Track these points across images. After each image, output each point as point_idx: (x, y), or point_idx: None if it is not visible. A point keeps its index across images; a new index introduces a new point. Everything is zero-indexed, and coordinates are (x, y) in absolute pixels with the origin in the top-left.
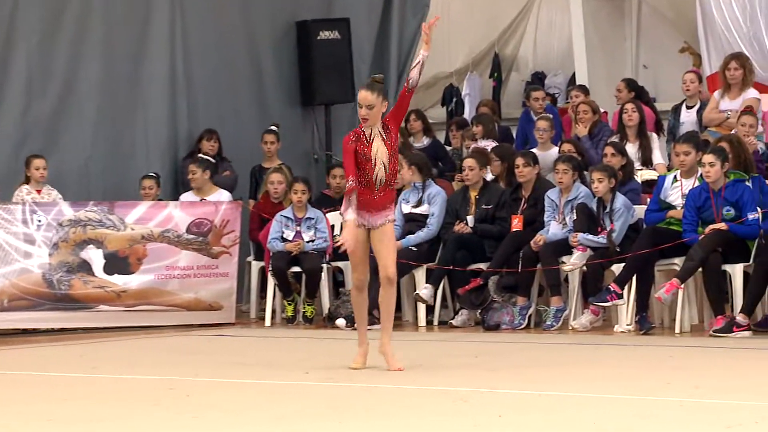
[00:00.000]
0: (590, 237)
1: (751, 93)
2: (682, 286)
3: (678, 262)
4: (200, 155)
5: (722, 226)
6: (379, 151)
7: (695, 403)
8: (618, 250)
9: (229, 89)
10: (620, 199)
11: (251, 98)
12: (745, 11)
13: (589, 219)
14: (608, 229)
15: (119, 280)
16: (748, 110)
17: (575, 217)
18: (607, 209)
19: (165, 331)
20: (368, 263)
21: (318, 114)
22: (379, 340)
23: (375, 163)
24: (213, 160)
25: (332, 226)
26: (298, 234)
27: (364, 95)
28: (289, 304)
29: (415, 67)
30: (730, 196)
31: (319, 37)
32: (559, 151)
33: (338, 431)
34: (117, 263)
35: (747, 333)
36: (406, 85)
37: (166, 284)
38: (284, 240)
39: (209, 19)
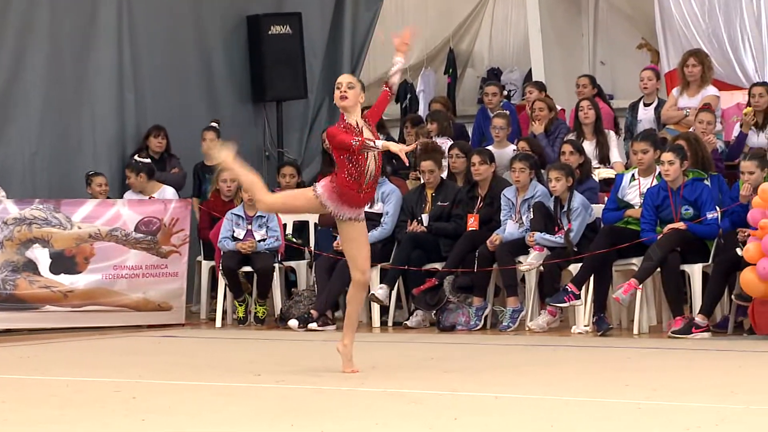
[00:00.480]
0: (547, 237)
1: (710, 90)
2: (641, 286)
3: (636, 262)
4: (133, 159)
5: (681, 225)
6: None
7: (654, 405)
8: (575, 249)
9: (179, 84)
10: (578, 198)
11: (201, 94)
12: (703, 7)
13: (546, 218)
14: (565, 228)
15: (66, 280)
16: (707, 108)
17: (532, 217)
18: (565, 208)
19: (113, 332)
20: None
21: (269, 110)
22: (342, 339)
23: (367, 154)
24: (148, 161)
25: (284, 225)
26: (249, 233)
27: (344, 77)
28: (241, 305)
29: (395, 74)
30: (689, 195)
31: (270, 32)
32: (515, 149)
33: None
34: (63, 262)
35: (706, 334)
36: (387, 90)
37: (114, 284)
38: (235, 239)
39: (158, 12)
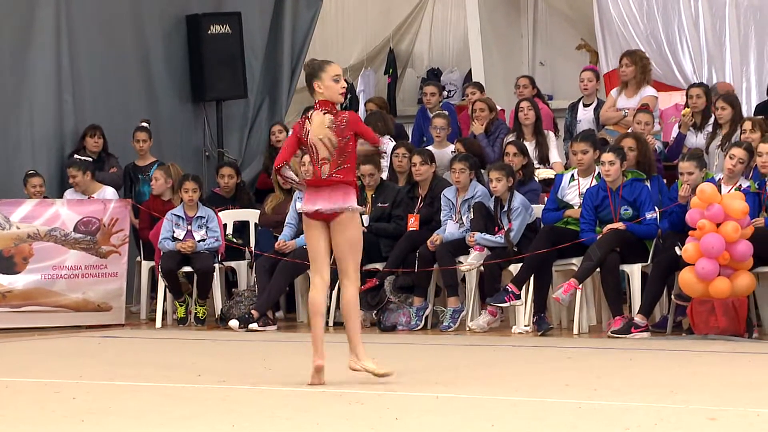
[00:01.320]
0: (487, 237)
1: (648, 91)
2: (580, 286)
3: (576, 262)
4: (76, 157)
5: (620, 225)
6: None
7: (594, 405)
8: (515, 249)
9: (118, 84)
10: (518, 198)
11: (140, 93)
12: (642, 8)
13: (486, 218)
14: (506, 228)
15: (4, 280)
16: (644, 108)
17: (472, 217)
18: (505, 208)
19: (52, 332)
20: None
21: (209, 110)
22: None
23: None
24: (90, 159)
25: (224, 225)
26: (189, 233)
27: (339, 68)
28: (181, 305)
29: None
30: (628, 195)
31: (209, 32)
32: (453, 150)
33: None
34: (2, 263)
35: (645, 334)
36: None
37: (53, 284)
38: (175, 239)
39: (96, 11)
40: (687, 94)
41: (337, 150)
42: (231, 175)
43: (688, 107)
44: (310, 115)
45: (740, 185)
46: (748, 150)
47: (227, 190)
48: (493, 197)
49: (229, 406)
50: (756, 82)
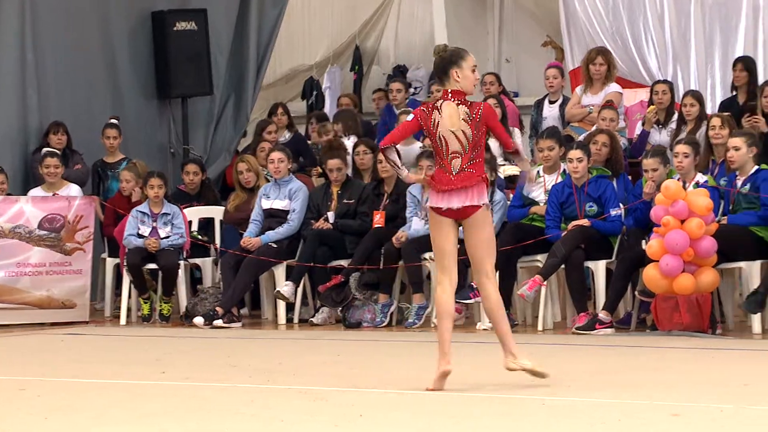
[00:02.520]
0: None
1: (613, 87)
2: (545, 283)
3: (541, 258)
4: (51, 149)
5: (585, 222)
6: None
7: (558, 401)
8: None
9: (83, 81)
10: (498, 193)
11: (105, 90)
12: (607, 6)
13: None
14: None
15: None
16: (609, 105)
17: None
18: None
19: (16, 329)
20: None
21: (174, 107)
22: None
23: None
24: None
25: (189, 222)
26: (154, 230)
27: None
28: (145, 302)
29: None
30: (593, 192)
31: (175, 28)
32: (422, 146)
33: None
34: None
35: (609, 330)
36: None
37: (17, 281)
38: (140, 236)
39: (61, 8)
40: (652, 91)
41: (471, 143)
42: (196, 172)
43: (652, 104)
44: (439, 105)
45: (698, 181)
46: (691, 143)
47: (192, 187)
48: None
49: (193, 403)
50: (720, 78)
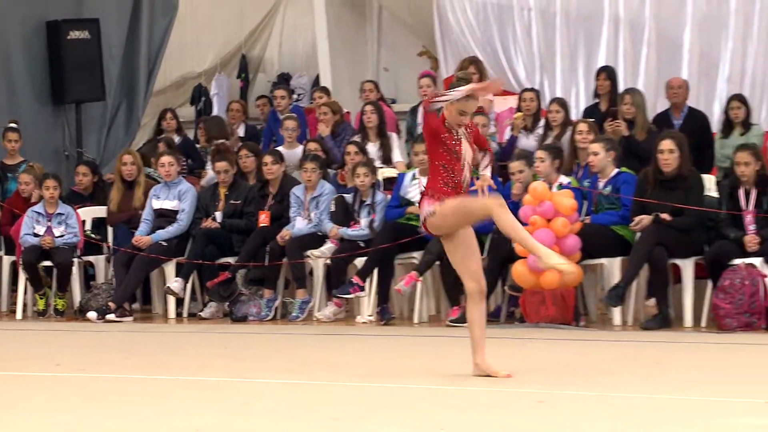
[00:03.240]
0: (350, 232)
1: None
2: (421, 278)
3: (417, 255)
4: None
5: None
6: (467, 153)
7: (432, 389)
8: (362, 244)
9: None
10: (380, 194)
11: (1, 95)
12: (479, 18)
13: (344, 212)
14: (362, 222)
15: None
16: (480, 111)
17: (334, 210)
18: (367, 202)
19: None
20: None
21: (69, 112)
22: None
23: (463, 164)
24: None
25: (83, 222)
26: (49, 229)
27: None
28: (41, 298)
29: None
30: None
31: (69, 37)
32: (305, 150)
33: (89, 422)
34: None
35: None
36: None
37: None
38: (36, 235)
39: None
40: (520, 98)
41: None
42: (86, 173)
43: (520, 111)
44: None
45: (561, 182)
46: (548, 149)
47: (82, 187)
48: (356, 192)
49: (87, 394)
50: (584, 86)
